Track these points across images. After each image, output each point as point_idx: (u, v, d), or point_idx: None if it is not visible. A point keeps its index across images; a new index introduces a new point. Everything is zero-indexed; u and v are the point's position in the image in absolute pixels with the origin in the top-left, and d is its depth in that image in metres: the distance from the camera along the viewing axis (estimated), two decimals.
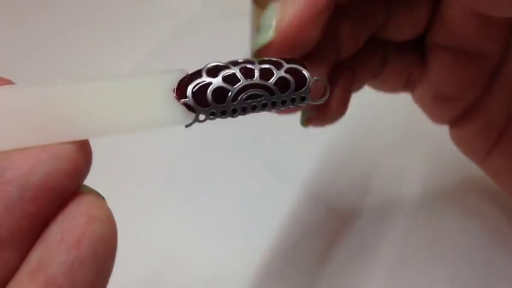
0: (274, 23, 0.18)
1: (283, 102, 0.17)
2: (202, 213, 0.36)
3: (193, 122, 0.16)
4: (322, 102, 0.18)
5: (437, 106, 0.26)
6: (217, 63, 0.16)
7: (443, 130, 0.29)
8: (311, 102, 0.17)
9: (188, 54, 0.46)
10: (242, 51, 0.47)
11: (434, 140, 0.39)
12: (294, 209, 0.36)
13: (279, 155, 0.40)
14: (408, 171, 0.38)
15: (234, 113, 0.16)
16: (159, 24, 0.51)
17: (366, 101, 0.41)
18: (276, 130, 0.41)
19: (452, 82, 0.24)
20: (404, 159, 0.38)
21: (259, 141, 0.41)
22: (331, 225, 0.35)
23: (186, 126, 0.16)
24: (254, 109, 0.16)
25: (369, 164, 0.39)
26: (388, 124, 0.40)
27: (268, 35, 0.18)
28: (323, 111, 0.23)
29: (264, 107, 0.16)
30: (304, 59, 0.19)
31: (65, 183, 0.13)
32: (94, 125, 0.14)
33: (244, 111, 0.16)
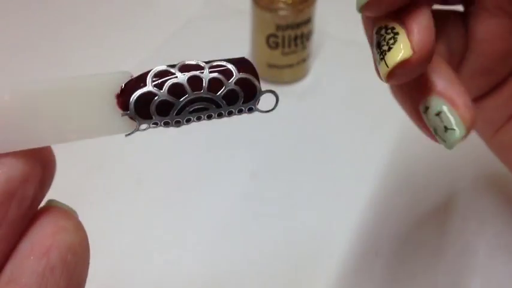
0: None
1: (230, 113, 0.16)
2: (202, 212, 0.36)
3: (134, 131, 0.15)
4: (270, 111, 0.17)
5: (472, 83, 0.25)
6: (166, 69, 0.15)
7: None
8: (259, 112, 0.17)
9: (188, 54, 0.46)
10: (242, 51, 0.47)
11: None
12: (293, 208, 0.36)
13: (278, 154, 0.40)
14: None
15: (177, 123, 0.15)
16: (160, 24, 0.51)
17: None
18: (276, 129, 0.41)
19: (497, 52, 0.24)
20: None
21: (260, 141, 0.41)
22: (332, 224, 0.35)
23: (126, 135, 0.15)
24: (199, 119, 0.16)
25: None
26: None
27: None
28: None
29: (209, 118, 0.16)
30: None
31: (23, 191, 0.13)
32: (29, 134, 0.14)
33: (188, 121, 0.16)
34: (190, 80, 0.15)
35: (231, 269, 0.33)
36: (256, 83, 0.16)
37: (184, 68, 0.15)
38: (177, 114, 0.15)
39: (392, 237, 0.34)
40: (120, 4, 0.54)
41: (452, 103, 0.20)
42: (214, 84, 0.15)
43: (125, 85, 0.15)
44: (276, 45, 0.43)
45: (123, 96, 0.15)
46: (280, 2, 0.42)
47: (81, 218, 0.15)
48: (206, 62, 0.15)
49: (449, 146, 0.20)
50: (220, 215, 0.36)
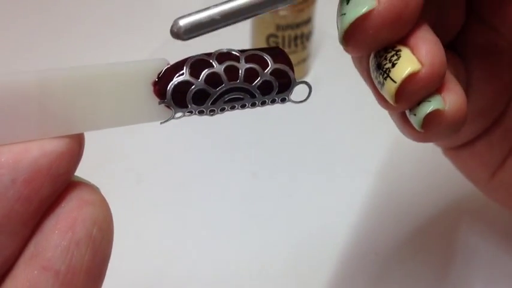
0: None
1: (263, 103, 0.16)
2: (202, 212, 0.36)
3: (169, 119, 0.15)
4: (302, 102, 0.17)
5: (469, 126, 0.23)
6: (202, 57, 0.15)
7: None
8: (291, 102, 0.17)
9: (188, 55, 0.46)
10: None
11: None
12: (292, 207, 0.36)
13: (279, 154, 0.40)
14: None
15: (211, 112, 0.15)
16: (160, 24, 0.51)
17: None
18: (276, 129, 0.41)
19: (494, 90, 0.22)
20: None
21: (260, 141, 0.41)
22: (332, 224, 0.35)
23: (162, 123, 0.15)
24: (233, 109, 0.16)
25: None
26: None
27: (366, 4, 0.16)
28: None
29: (243, 107, 0.16)
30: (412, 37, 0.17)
31: (57, 167, 0.13)
32: (63, 120, 0.13)
33: (222, 111, 0.16)
34: (227, 69, 0.15)
35: (231, 268, 0.33)
36: (291, 73, 0.16)
37: (220, 57, 0.15)
38: (212, 103, 0.15)
39: (392, 237, 0.34)
40: (120, 4, 0.54)
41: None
42: (250, 74, 0.15)
43: (162, 73, 0.15)
44: (276, 45, 0.43)
45: (159, 84, 0.15)
46: None
47: None
48: (241, 51, 0.15)
49: (418, 121, 0.17)
50: (221, 215, 0.36)
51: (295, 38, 0.42)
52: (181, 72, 0.15)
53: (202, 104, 0.15)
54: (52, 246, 0.13)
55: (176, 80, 0.15)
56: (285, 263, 0.33)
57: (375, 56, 0.18)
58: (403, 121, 0.18)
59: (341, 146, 0.40)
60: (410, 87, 0.16)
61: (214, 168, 0.39)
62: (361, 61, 0.19)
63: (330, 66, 0.47)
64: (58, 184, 0.13)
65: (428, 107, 0.17)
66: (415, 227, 0.35)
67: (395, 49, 0.17)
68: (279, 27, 0.42)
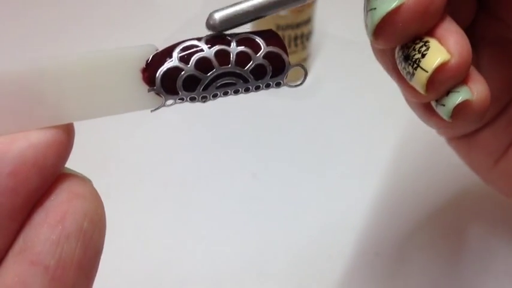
0: None
1: (257, 88, 0.15)
2: (202, 213, 0.36)
3: (160, 107, 0.15)
4: (298, 86, 0.17)
5: None
6: (192, 43, 0.14)
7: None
8: (286, 86, 0.16)
9: None
10: None
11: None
12: (292, 208, 0.36)
13: (279, 154, 0.40)
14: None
15: (203, 99, 0.15)
16: (160, 24, 0.51)
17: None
18: (276, 129, 0.41)
19: (504, 78, 0.23)
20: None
21: (260, 141, 0.41)
22: (332, 224, 0.35)
23: (152, 111, 0.15)
24: (225, 95, 0.15)
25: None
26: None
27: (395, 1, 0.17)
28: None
29: (236, 93, 0.15)
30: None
31: (44, 158, 0.13)
32: (51, 110, 0.13)
33: (215, 97, 0.15)
34: (218, 54, 0.14)
35: (231, 269, 0.33)
36: (284, 56, 0.15)
37: (211, 41, 0.15)
38: (203, 89, 0.15)
39: (392, 237, 0.34)
40: (120, 4, 0.54)
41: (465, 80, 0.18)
42: (242, 58, 0.15)
43: (150, 59, 0.14)
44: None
45: (148, 71, 0.14)
46: None
47: None
48: (233, 35, 0.15)
49: (447, 111, 0.18)
50: (221, 215, 0.36)
51: (295, 38, 0.42)
52: (170, 58, 0.14)
53: (194, 91, 0.15)
54: (41, 241, 0.12)
55: (165, 66, 0.14)
56: (285, 263, 0.33)
57: (402, 48, 0.18)
58: (429, 112, 0.19)
59: (341, 146, 0.40)
60: (441, 77, 0.17)
61: (215, 168, 0.39)
62: (385, 54, 0.20)
63: (330, 66, 0.47)
64: (46, 176, 0.13)
65: (458, 97, 0.17)
66: (417, 226, 0.35)
67: (423, 40, 0.17)
68: (279, 27, 0.42)
